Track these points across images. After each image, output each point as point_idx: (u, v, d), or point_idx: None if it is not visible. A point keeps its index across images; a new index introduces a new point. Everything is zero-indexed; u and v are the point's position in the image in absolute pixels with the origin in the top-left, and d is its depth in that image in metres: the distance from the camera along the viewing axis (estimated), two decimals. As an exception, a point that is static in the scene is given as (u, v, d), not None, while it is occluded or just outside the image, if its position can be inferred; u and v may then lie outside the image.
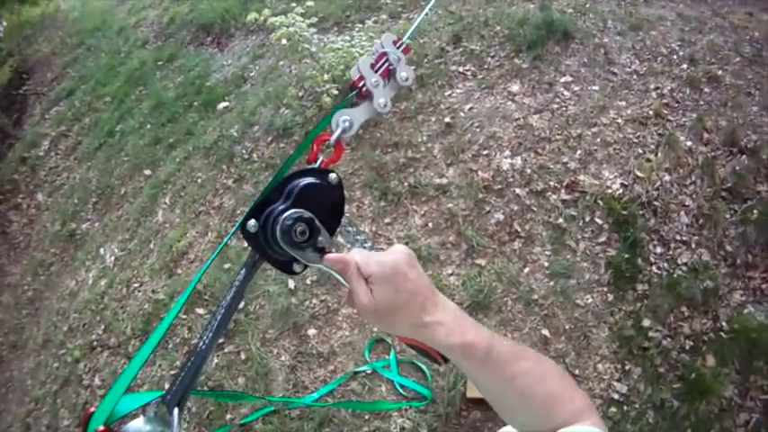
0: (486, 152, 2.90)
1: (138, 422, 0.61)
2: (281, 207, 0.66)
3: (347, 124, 0.72)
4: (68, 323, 3.61)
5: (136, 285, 3.30)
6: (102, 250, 3.77)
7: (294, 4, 3.26)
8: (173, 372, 2.64)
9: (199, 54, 4.71)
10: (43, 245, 4.36)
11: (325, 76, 3.12)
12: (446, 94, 3.25)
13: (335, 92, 3.02)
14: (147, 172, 3.88)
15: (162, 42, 5.23)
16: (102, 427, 0.59)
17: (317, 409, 2.31)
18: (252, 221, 0.66)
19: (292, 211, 0.65)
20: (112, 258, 3.64)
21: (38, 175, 4.90)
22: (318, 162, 0.71)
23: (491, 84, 3.22)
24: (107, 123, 4.62)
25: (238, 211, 3.08)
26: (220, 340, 2.48)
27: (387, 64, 0.74)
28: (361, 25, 3.48)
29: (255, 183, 3.12)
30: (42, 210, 4.66)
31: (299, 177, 0.70)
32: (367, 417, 2.28)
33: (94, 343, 3.36)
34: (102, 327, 3.37)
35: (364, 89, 0.73)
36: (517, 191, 2.75)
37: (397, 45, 0.75)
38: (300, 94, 3.50)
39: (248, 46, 4.39)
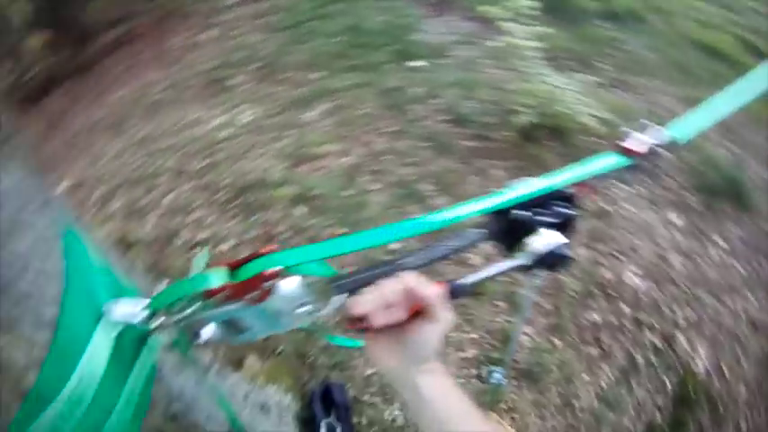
0: (621, 256, 2.89)
1: (295, 282, 0.63)
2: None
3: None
4: (172, 143, 3.82)
5: (253, 154, 3.45)
6: (239, 108, 3.95)
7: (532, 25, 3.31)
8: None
9: (414, 6, 4.84)
10: (189, 72, 4.60)
11: (525, 99, 3.17)
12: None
13: (528, 119, 3.06)
14: (316, 75, 4.02)
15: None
16: (270, 270, 0.61)
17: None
18: (521, 212, 0.72)
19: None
20: (245, 120, 3.81)
21: (219, 17, 5.14)
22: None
23: (658, 202, 3.21)
24: (302, 13, 4.80)
25: (381, 158, 3.16)
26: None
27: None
28: (579, 75, 3.52)
29: (410, 146, 3.19)
30: (205, 45, 4.89)
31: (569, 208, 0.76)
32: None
33: (185, 172, 3.55)
34: (202, 164, 3.55)
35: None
36: (624, 308, 2.74)
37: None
38: (491, 98, 3.56)
39: (463, 27, 4.49)
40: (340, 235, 0.72)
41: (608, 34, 4.62)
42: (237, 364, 2.43)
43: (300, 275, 0.64)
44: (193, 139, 3.82)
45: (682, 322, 2.77)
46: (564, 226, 0.73)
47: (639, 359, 2.64)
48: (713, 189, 3.28)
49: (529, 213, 0.72)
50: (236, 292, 0.64)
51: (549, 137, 3.30)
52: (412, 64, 3.91)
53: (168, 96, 4.60)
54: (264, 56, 4.46)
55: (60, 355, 0.79)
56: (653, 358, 2.66)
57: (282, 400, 2.10)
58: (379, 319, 0.61)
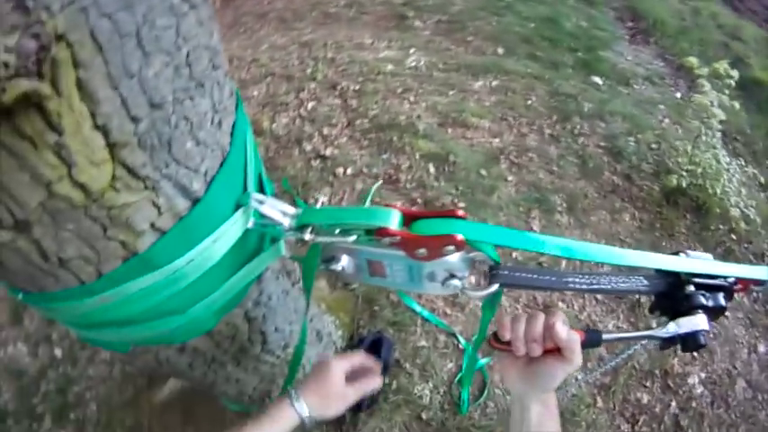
0: (695, 354, 2.75)
1: (457, 255, 0.66)
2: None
3: None
4: (334, 56, 3.94)
5: (410, 98, 3.49)
6: (412, 51, 4.00)
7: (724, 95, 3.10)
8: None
9: (614, 24, 4.64)
10: (374, 3, 4.71)
11: (686, 163, 3.02)
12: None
13: (682, 183, 2.92)
14: (497, 49, 3.97)
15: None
16: (459, 237, 0.63)
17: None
18: (693, 289, 0.71)
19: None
20: (413, 64, 3.86)
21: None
22: None
23: (753, 323, 2.98)
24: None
25: (527, 154, 3.12)
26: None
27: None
28: (749, 167, 3.29)
29: (559, 155, 3.13)
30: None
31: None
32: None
33: (337, 88, 3.67)
34: (356, 87, 3.65)
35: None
36: (673, 404, 2.61)
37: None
38: (654, 146, 3.40)
39: (654, 64, 4.26)
40: (523, 230, 0.72)
41: (793, 137, 4.24)
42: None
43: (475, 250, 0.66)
44: (357, 60, 3.92)
45: None
46: (713, 313, 0.73)
47: None
48: None
49: (699, 293, 0.71)
50: (407, 242, 0.65)
51: (690, 210, 3.13)
52: (593, 79, 3.78)
53: (346, 12, 4.72)
54: (454, 12, 4.45)
55: (189, 227, 0.82)
56: None
57: (333, 334, 2.18)
58: (521, 350, 0.69)
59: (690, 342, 0.71)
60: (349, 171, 3.08)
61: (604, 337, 0.73)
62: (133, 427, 2.37)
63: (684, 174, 3.00)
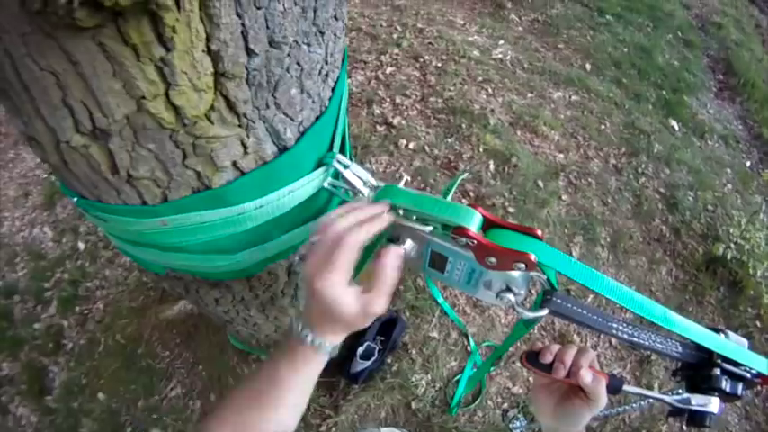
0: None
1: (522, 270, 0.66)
2: None
3: None
4: (423, 28, 3.88)
5: (488, 89, 3.48)
6: (501, 42, 3.95)
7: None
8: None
9: (707, 74, 4.52)
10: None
11: (737, 236, 3.00)
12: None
13: (729, 256, 2.90)
14: (585, 65, 3.90)
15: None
16: (532, 258, 0.63)
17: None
18: (717, 370, 0.72)
19: None
20: (499, 56, 3.81)
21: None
22: None
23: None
24: (613, 4, 4.59)
25: (587, 179, 3.11)
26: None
27: None
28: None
29: (617, 188, 3.11)
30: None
31: None
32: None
33: (420, 60, 3.64)
34: (438, 64, 3.63)
35: None
36: None
37: None
38: (710, 207, 3.36)
39: (732, 125, 4.17)
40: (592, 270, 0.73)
41: None
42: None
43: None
44: (446, 38, 3.88)
45: None
46: (727, 399, 0.74)
47: None
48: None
49: (723, 376, 0.73)
50: (481, 247, 0.65)
51: (726, 283, 3.11)
52: (670, 121, 3.72)
53: (445, -11, 4.63)
54: (552, 14, 4.36)
55: (270, 173, 0.82)
56: None
57: None
58: (562, 373, 0.70)
59: (697, 419, 0.72)
60: (411, 145, 3.09)
61: (625, 387, 0.73)
62: (133, 335, 2.42)
63: (732, 246, 2.98)
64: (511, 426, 2.42)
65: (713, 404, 0.71)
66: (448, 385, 2.33)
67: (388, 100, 3.37)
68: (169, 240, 0.86)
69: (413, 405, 2.25)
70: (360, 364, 2.14)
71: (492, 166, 2.97)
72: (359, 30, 3.99)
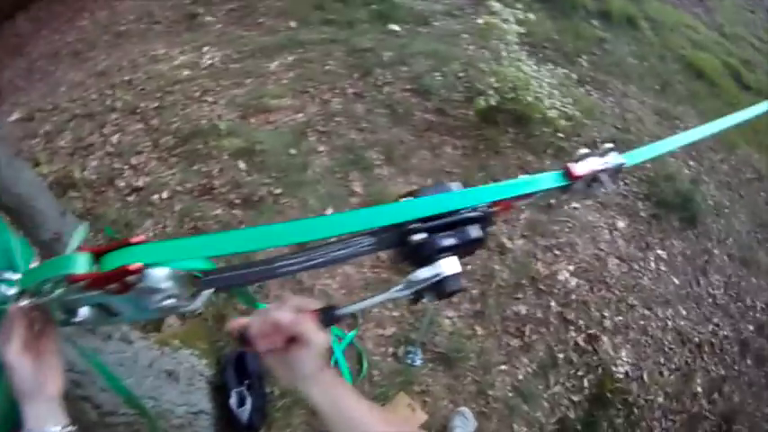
0: (558, 252, 2.85)
1: (163, 273, 0.60)
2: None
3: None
4: (131, 78, 3.69)
5: (209, 99, 3.34)
6: (206, 49, 3.80)
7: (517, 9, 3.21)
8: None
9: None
10: (162, 3, 4.43)
11: (494, 82, 3.08)
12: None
13: (492, 102, 2.97)
14: (290, 24, 3.87)
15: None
16: (133, 266, 0.58)
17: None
18: (420, 236, 0.64)
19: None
20: (208, 62, 3.67)
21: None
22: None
23: (607, 205, 3.17)
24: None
25: (334, 120, 3.06)
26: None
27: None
28: (558, 68, 3.43)
29: (366, 110, 3.10)
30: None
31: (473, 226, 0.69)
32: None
33: (138, 111, 3.44)
34: (155, 105, 3.44)
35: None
36: (552, 304, 2.71)
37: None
38: (461, 74, 3.45)
39: (458, 1, 4.34)
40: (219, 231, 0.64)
41: (596, 33, 4.50)
42: (158, 322, 2.38)
43: (169, 268, 0.61)
44: (153, 75, 3.69)
45: (608, 325, 2.75)
46: (465, 250, 0.67)
47: (560, 356, 2.61)
48: (665, 201, 3.25)
49: (435, 237, 0.64)
50: (97, 281, 0.60)
51: (510, 123, 3.22)
52: (390, 27, 3.77)
53: (137, 27, 4.44)
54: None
55: None
56: (574, 356, 2.63)
57: (196, 365, 2.06)
58: (262, 346, 0.69)
59: (440, 290, 0.65)
60: (164, 195, 2.89)
61: (341, 312, 0.69)
62: None
63: (491, 92, 3.05)
64: (409, 361, 2.37)
65: (445, 266, 0.64)
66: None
67: (126, 167, 3.13)
68: None
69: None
70: (244, 412, 2.02)
71: (242, 164, 2.84)
72: (75, 116, 3.70)
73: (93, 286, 0.61)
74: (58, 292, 0.64)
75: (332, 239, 0.65)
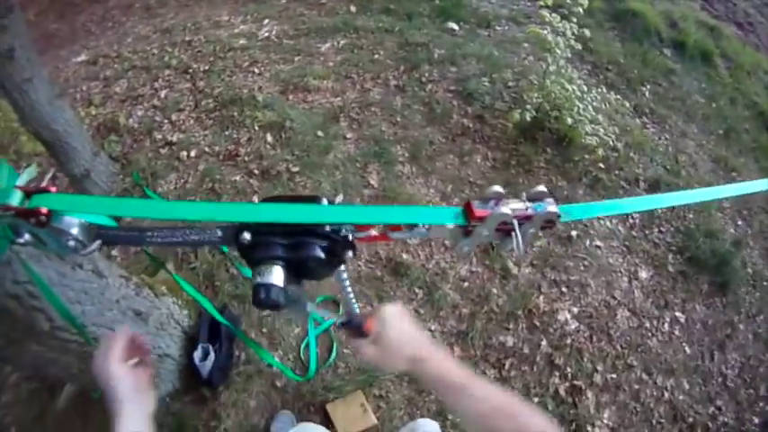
0: (565, 289, 2.70)
1: (75, 221, 0.69)
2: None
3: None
4: (191, 39, 3.79)
5: (255, 70, 3.39)
6: (266, 21, 3.86)
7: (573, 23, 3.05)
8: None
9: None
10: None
11: (538, 96, 2.97)
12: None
13: (529, 117, 2.86)
14: (353, 8, 3.85)
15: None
16: (44, 210, 0.68)
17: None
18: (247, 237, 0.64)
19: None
20: (265, 35, 3.73)
21: None
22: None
23: (631, 250, 2.97)
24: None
25: (369, 109, 3.04)
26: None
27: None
28: (614, 93, 3.26)
29: (404, 104, 3.05)
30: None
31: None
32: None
33: (189, 71, 3.53)
34: (206, 68, 3.53)
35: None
36: (543, 343, 2.54)
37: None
38: (511, 83, 3.34)
39: (519, 4, 4.20)
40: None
41: (666, 63, 4.20)
42: (155, 270, 2.44)
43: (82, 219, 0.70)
44: (212, 40, 3.79)
45: (598, 380, 2.51)
46: (300, 265, 0.65)
47: (535, 399, 2.39)
48: (698, 259, 2.96)
49: (258, 240, 0.64)
50: (20, 213, 0.70)
51: (550, 143, 3.08)
52: (449, 25, 3.69)
53: (208, -10, 4.56)
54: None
55: None
56: (550, 404, 2.39)
57: (175, 313, 2.11)
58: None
59: (254, 296, 0.63)
60: (193, 153, 2.96)
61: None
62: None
63: (529, 107, 2.92)
64: None
65: (268, 276, 0.63)
66: (300, 352, 2.24)
67: (166, 121, 3.23)
68: None
69: (278, 383, 2.15)
70: (204, 367, 2.06)
71: (270, 138, 2.86)
72: (133, 67, 3.85)
73: (19, 216, 0.70)
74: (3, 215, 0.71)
75: (195, 225, 0.69)
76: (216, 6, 4.29)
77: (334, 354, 2.24)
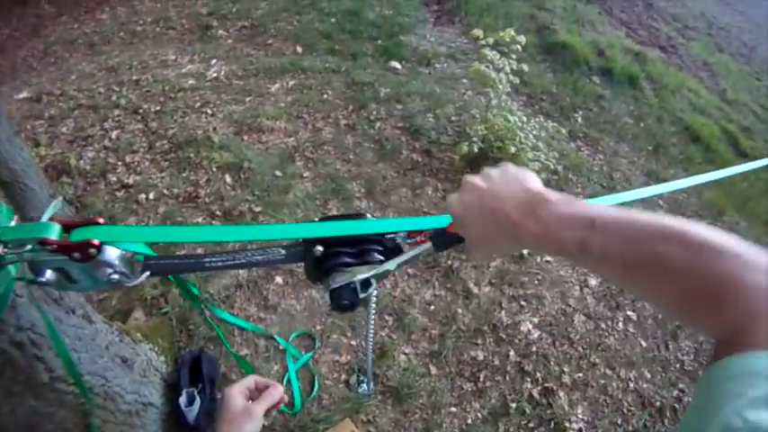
0: (524, 303, 2.92)
1: (116, 252, 0.72)
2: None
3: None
4: (139, 78, 3.81)
5: (208, 111, 3.45)
6: (213, 62, 3.94)
7: (512, 60, 3.33)
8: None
9: (420, 9, 4.83)
10: (179, 10, 4.57)
11: (482, 129, 3.20)
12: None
13: (476, 149, 3.08)
14: (297, 49, 4.00)
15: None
16: (97, 241, 0.70)
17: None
18: (320, 248, 0.74)
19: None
20: (214, 75, 3.80)
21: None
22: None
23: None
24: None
25: (323, 148, 3.17)
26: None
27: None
28: (549, 121, 3.54)
29: (355, 143, 3.20)
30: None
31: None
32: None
33: (140, 111, 3.55)
34: (157, 108, 3.55)
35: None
36: (511, 353, 2.76)
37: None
38: (454, 118, 3.57)
39: (457, 42, 4.48)
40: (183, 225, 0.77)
41: (596, 90, 4.61)
42: (126, 314, 2.45)
43: (122, 249, 0.73)
44: (160, 79, 3.81)
45: (567, 380, 2.75)
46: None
47: (513, 405, 2.60)
48: None
49: (340, 255, 0.74)
50: (63, 248, 0.71)
51: (492, 171, 3.30)
52: (392, 64, 3.90)
53: (153, 30, 4.58)
54: (257, 16, 4.44)
55: None
56: (527, 407, 2.60)
57: (153, 360, 2.10)
58: None
59: (336, 298, 0.74)
60: (151, 196, 2.98)
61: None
62: None
63: (476, 139, 3.15)
64: (360, 391, 2.39)
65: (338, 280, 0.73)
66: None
67: (120, 163, 3.23)
68: None
69: (265, 423, 2.16)
70: (191, 412, 2.05)
71: (228, 179, 2.93)
72: (80, 106, 3.81)
73: (60, 251, 0.72)
74: (30, 249, 0.73)
75: (253, 246, 0.77)
76: (161, 45, 4.32)
77: (317, 386, 2.32)
